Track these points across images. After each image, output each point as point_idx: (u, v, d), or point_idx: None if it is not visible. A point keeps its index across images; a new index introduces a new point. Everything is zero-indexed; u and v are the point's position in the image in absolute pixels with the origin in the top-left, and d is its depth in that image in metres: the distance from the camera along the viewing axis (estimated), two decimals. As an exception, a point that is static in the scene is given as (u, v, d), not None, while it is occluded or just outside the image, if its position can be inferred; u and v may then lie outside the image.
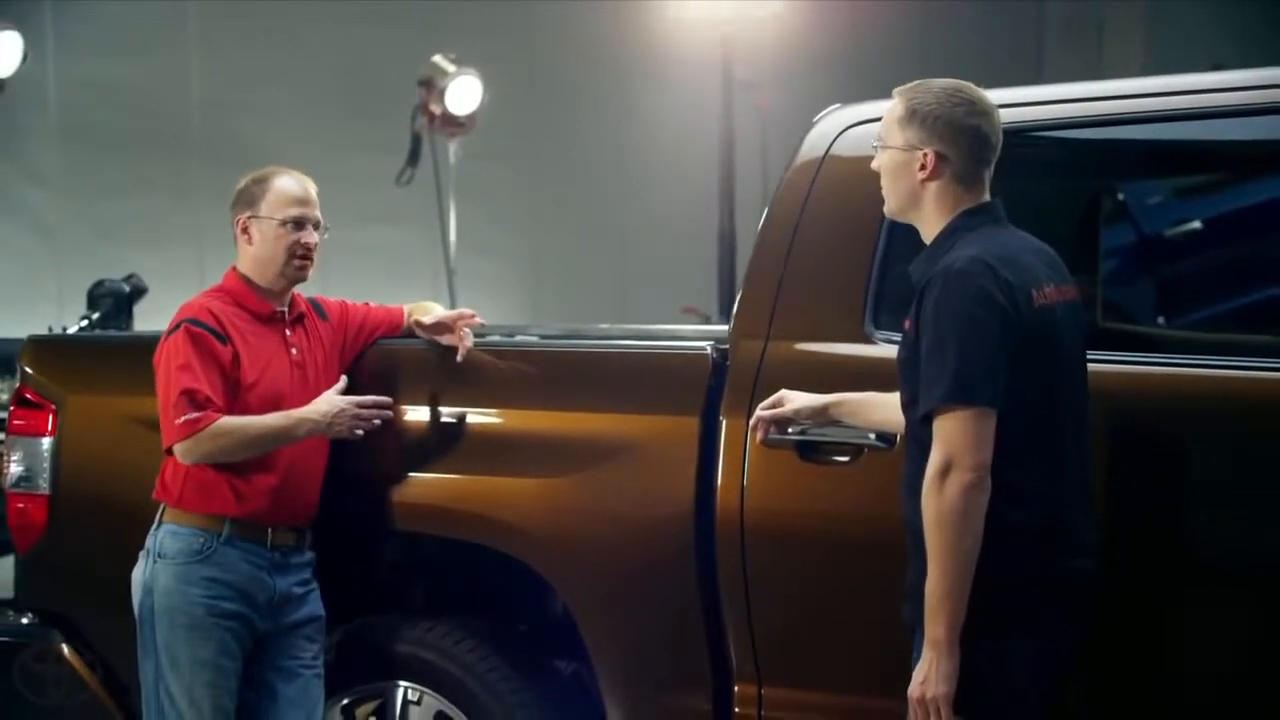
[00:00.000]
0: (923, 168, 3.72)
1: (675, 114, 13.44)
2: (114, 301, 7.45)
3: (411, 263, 12.25)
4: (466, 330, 4.71)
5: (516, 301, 13.52)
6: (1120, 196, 6.87)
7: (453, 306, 5.28)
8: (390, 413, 4.60)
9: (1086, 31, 16.21)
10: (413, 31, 12.42)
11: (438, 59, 11.00)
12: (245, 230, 4.70)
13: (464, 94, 11.00)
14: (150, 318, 8.27)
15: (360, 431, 4.55)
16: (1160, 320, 7.00)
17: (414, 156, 11.01)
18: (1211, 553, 3.86)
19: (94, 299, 7.53)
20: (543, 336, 5.98)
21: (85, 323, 7.38)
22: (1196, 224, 8.84)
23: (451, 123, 11.08)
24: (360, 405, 4.55)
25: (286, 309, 4.70)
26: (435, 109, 10.99)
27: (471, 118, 11.09)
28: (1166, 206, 8.33)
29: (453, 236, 11.41)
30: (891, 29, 14.48)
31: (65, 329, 7.09)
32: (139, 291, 7.62)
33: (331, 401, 4.55)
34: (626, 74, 13.65)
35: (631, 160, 13.88)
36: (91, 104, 12.39)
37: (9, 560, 7.86)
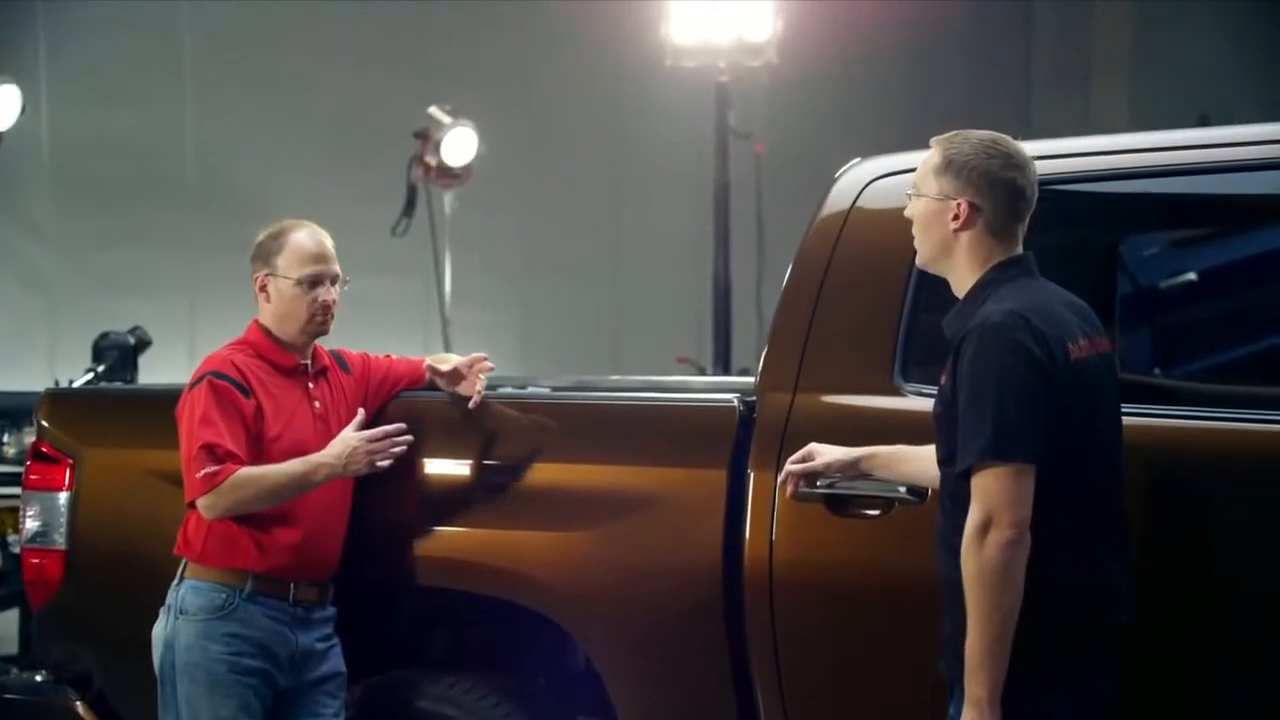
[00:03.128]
0: (955, 218, 3.71)
1: (670, 163, 13.46)
2: (119, 354, 7.41)
3: (406, 312, 12.23)
4: (480, 376, 4.69)
5: (509, 350, 13.48)
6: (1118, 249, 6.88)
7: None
8: (410, 437, 4.54)
9: (1073, 81, 16.30)
10: (408, 82, 12.43)
11: (433, 110, 11.00)
12: (264, 288, 4.67)
13: (459, 145, 11.00)
14: (146, 368, 8.22)
15: (383, 464, 4.50)
16: (1156, 371, 7.02)
17: (410, 207, 11.02)
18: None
19: (99, 351, 7.49)
20: (554, 388, 5.94)
21: (91, 375, 7.34)
22: (1191, 275, 8.88)
23: (447, 174, 11.08)
24: (371, 440, 4.51)
25: (309, 362, 4.68)
26: (431, 160, 10.99)
27: (467, 169, 11.09)
28: (1161, 258, 8.36)
29: (448, 286, 11.38)
30: (882, 80, 14.56)
31: (71, 382, 7.04)
32: (143, 343, 7.58)
33: (345, 441, 4.50)
34: (621, 124, 13.68)
35: (625, 209, 13.90)
36: (86, 155, 12.35)
37: (11, 615, 7.84)
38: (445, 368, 4.74)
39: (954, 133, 3.79)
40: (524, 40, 13.49)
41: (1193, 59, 15.55)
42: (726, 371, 11.39)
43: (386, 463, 4.50)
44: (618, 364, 13.27)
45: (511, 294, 13.52)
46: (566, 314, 13.75)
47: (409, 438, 4.54)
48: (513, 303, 13.54)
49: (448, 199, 11.25)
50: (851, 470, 4.01)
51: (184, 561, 4.55)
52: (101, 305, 11.61)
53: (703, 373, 11.50)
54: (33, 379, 10.65)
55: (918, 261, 3.86)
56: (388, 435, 4.51)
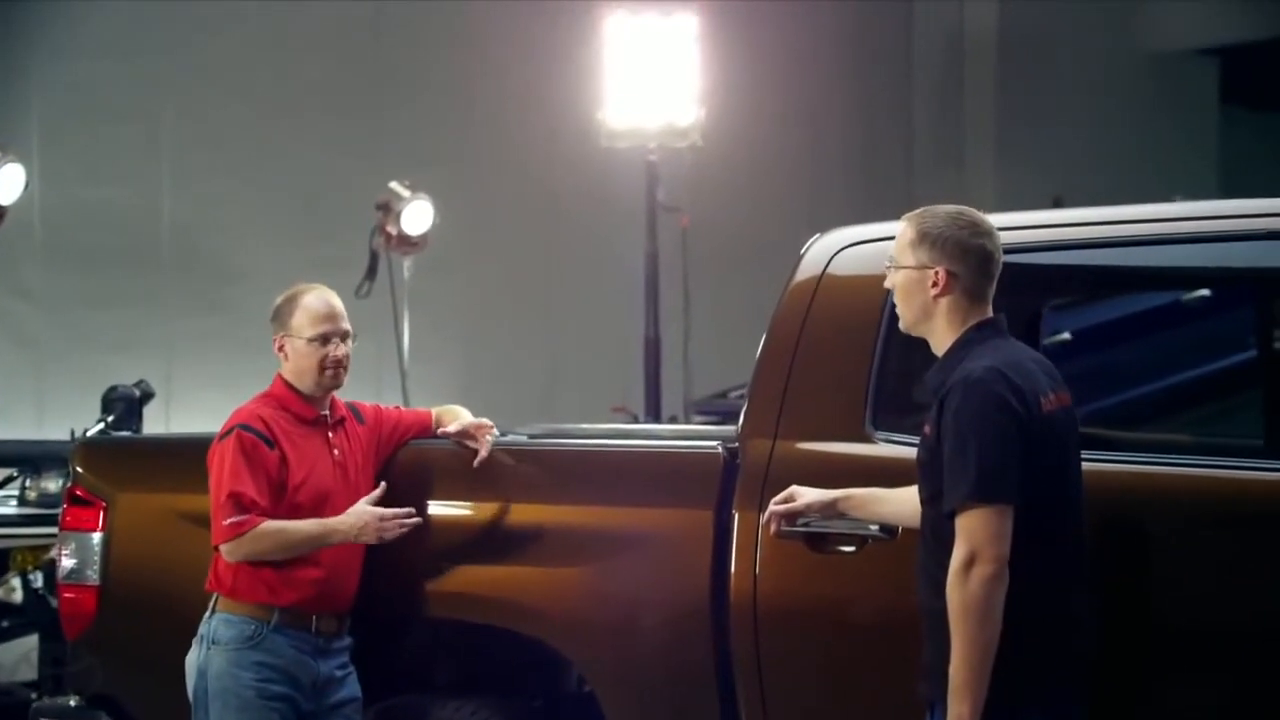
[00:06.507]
0: (934, 284, 3.68)
1: (605, 233, 13.43)
2: (126, 405, 7.26)
3: (366, 368, 12.05)
4: (487, 439, 4.60)
5: (453, 401, 13.31)
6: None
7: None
8: (418, 519, 4.42)
9: (948, 162, 16.57)
10: (370, 161, 12.29)
11: (394, 185, 10.89)
12: (281, 348, 4.59)
13: (418, 216, 10.88)
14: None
15: (389, 538, 4.39)
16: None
17: (372, 272, 10.89)
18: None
19: (107, 403, 7.32)
20: (531, 436, 5.85)
21: (101, 425, 7.17)
22: (1066, 335, 8.96)
23: (406, 242, 10.96)
24: (383, 517, 4.39)
25: (328, 413, 4.59)
26: (391, 229, 10.86)
27: (424, 237, 10.98)
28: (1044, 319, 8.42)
29: (406, 343, 11.27)
30: (790, 161, 14.68)
31: (85, 431, 6.88)
32: (147, 396, 7.42)
33: (359, 514, 4.40)
34: (561, 198, 13.63)
35: (564, 275, 13.85)
36: (73, 225, 12.10)
37: (31, 640, 7.63)
38: (455, 428, 4.64)
39: (922, 209, 3.76)
40: (475, 123, 13.41)
41: (1048, 148, 15.89)
42: (658, 419, 11.38)
43: (393, 536, 4.39)
44: (551, 413, 13.16)
45: (459, 350, 13.39)
46: (509, 368, 13.65)
47: (417, 520, 4.42)
48: (459, 358, 13.41)
49: (406, 265, 11.15)
50: (829, 510, 3.94)
51: (215, 596, 4.45)
52: (85, 362, 11.41)
53: (635, 420, 11.47)
54: (21, 429, 10.45)
55: (901, 326, 3.81)
56: (397, 516, 4.40)
